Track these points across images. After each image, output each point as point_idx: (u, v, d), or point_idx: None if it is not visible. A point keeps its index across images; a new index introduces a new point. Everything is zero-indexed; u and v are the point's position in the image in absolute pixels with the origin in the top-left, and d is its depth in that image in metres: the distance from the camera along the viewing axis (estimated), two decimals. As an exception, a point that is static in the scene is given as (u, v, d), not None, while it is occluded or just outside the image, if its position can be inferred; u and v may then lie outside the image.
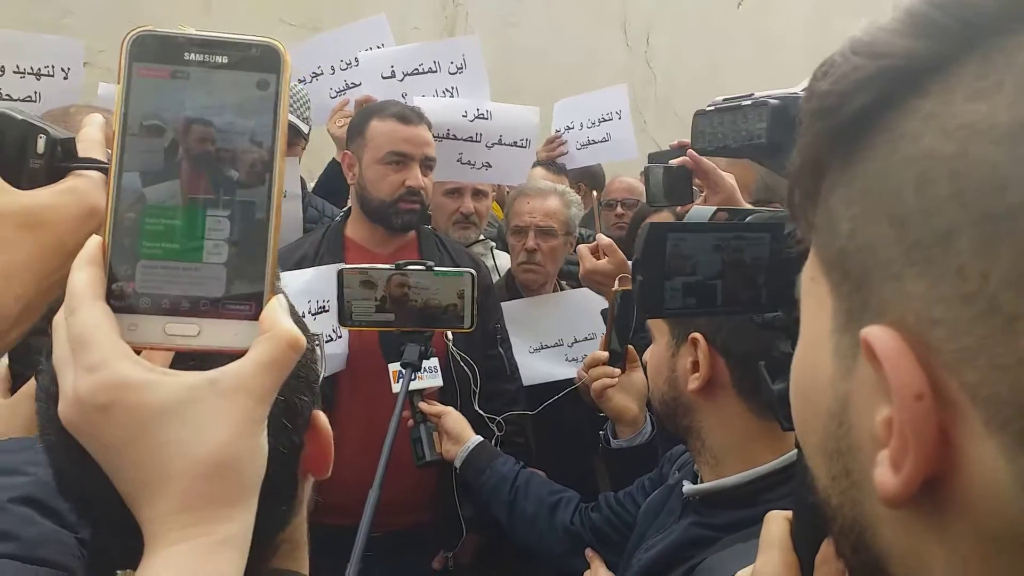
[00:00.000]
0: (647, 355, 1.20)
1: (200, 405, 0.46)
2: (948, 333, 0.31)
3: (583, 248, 1.98)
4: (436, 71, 2.52)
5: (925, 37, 0.34)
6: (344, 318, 1.52)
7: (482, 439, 1.72)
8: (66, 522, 0.77)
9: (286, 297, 0.53)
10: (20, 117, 0.58)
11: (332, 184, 2.73)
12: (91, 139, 0.61)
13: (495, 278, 2.48)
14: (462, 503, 1.97)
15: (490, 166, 2.50)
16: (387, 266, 1.53)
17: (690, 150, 1.55)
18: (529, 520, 1.61)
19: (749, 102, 0.87)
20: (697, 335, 1.06)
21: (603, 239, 1.93)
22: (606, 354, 1.60)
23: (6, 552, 0.73)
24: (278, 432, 0.57)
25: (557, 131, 3.10)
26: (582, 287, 2.27)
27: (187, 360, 0.51)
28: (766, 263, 0.71)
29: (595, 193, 2.46)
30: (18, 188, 0.57)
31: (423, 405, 1.67)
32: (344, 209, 2.26)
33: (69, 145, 0.60)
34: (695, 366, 1.07)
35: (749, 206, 1.50)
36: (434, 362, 1.65)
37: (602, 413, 1.64)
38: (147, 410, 0.46)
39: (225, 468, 0.47)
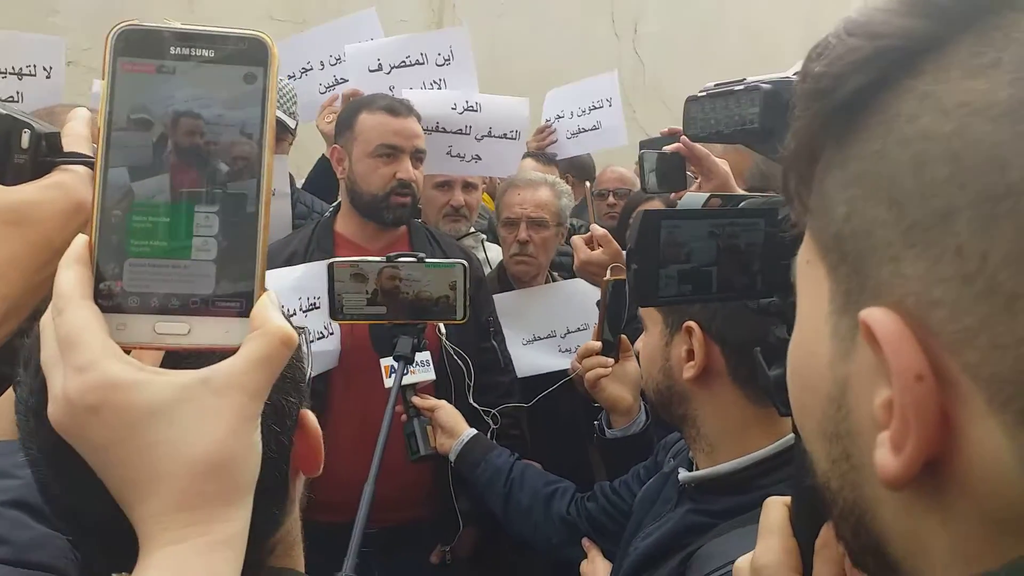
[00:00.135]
0: (639, 344, 1.20)
1: (193, 404, 0.46)
2: (948, 314, 0.31)
3: (577, 239, 1.97)
4: (423, 63, 2.50)
5: (923, 16, 0.33)
6: (335, 312, 1.52)
7: (476, 432, 1.71)
8: (58, 525, 0.77)
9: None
10: (3, 112, 0.57)
11: (321, 180, 2.72)
12: (76, 133, 0.60)
13: (486, 271, 2.47)
14: (458, 497, 1.97)
15: (480, 158, 2.49)
16: (378, 259, 1.52)
17: (683, 136, 1.54)
18: (525, 512, 1.61)
19: (741, 87, 0.87)
20: (692, 323, 1.06)
21: (597, 229, 1.92)
22: (599, 344, 1.60)
23: (-1, 556, 0.73)
24: (267, 435, 0.57)
25: (547, 120, 3.09)
26: (573, 278, 2.27)
27: (183, 359, 0.50)
28: (760, 249, 0.71)
29: (587, 184, 2.45)
30: (2, 184, 0.56)
31: (416, 399, 1.67)
32: (334, 204, 2.25)
33: (54, 140, 0.59)
34: (690, 355, 1.07)
35: (743, 192, 1.50)
36: (426, 355, 1.64)
37: (597, 403, 1.64)
38: (137, 410, 0.45)
39: (221, 467, 0.46)
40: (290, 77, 2.66)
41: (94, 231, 0.48)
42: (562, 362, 2.26)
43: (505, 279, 2.43)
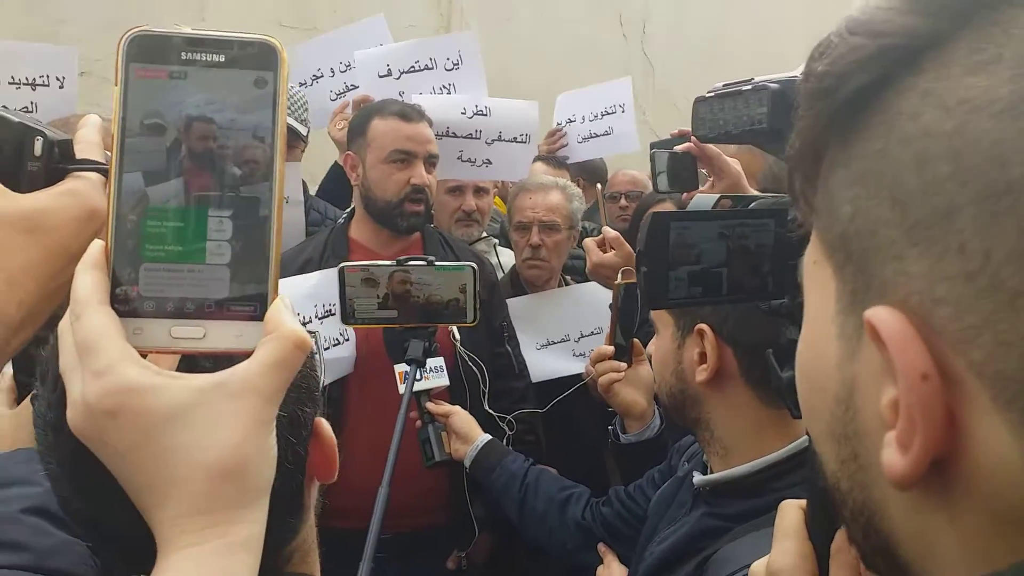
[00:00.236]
0: (651, 348, 1.20)
1: (209, 408, 0.46)
2: (952, 312, 0.31)
3: (589, 242, 1.97)
4: (433, 68, 2.51)
5: (924, 14, 0.33)
6: (347, 316, 1.52)
7: (491, 438, 1.71)
8: (79, 531, 0.77)
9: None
10: (16, 119, 0.58)
11: (335, 187, 2.73)
12: (88, 140, 0.61)
13: (499, 275, 2.47)
14: (473, 503, 1.97)
15: (491, 163, 2.49)
16: (388, 263, 1.53)
17: (693, 137, 1.54)
18: (540, 517, 1.60)
19: (749, 87, 0.87)
20: (704, 326, 1.05)
21: (609, 232, 1.92)
22: (611, 349, 1.59)
23: (19, 563, 0.73)
24: (284, 447, 0.57)
25: (558, 124, 3.09)
26: (586, 281, 2.27)
27: (202, 362, 0.51)
28: (771, 249, 0.71)
29: (598, 186, 2.45)
30: (16, 191, 0.57)
31: (430, 405, 1.67)
32: (347, 211, 2.26)
33: (66, 147, 0.59)
34: (702, 357, 1.06)
35: (755, 192, 1.49)
36: (439, 361, 1.64)
37: (611, 408, 1.64)
38: (154, 414, 0.46)
39: (237, 470, 0.47)
40: (301, 84, 2.68)
41: (110, 236, 0.48)
42: (576, 366, 2.25)
43: (518, 283, 2.43)
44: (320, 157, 2.98)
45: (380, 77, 2.50)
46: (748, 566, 0.59)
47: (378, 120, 2.06)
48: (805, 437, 0.50)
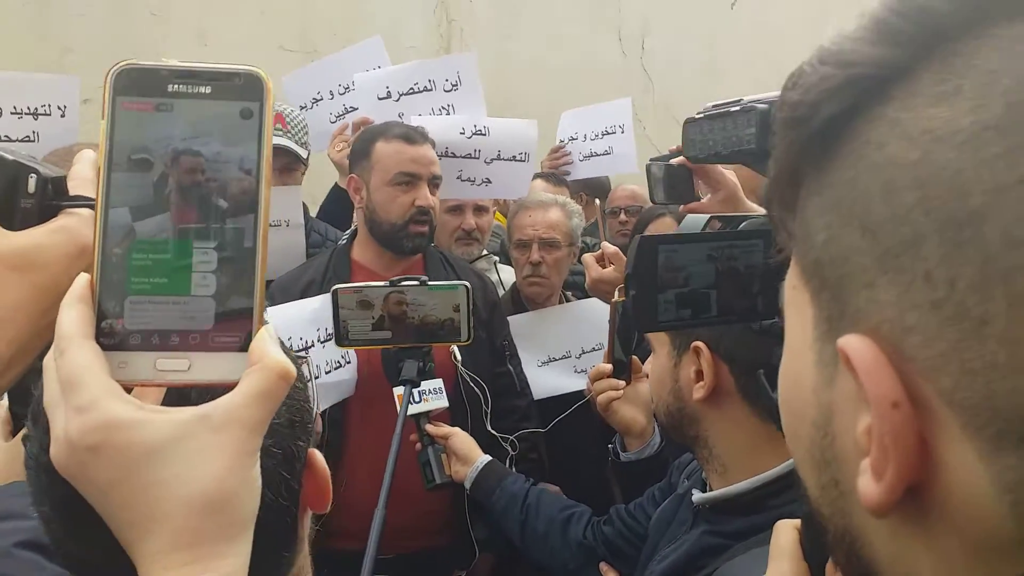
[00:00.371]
0: (647, 366, 1.19)
1: (191, 441, 0.46)
2: (921, 340, 0.31)
3: (588, 257, 1.97)
4: (431, 89, 2.53)
5: (891, 44, 0.34)
6: (340, 338, 1.52)
7: (491, 459, 1.70)
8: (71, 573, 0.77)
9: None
10: (10, 157, 0.58)
11: (335, 208, 2.74)
12: (82, 176, 0.61)
13: (500, 293, 2.47)
14: (474, 524, 1.96)
15: (490, 182, 2.50)
16: (382, 284, 1.53)
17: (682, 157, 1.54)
18: (542, 537, 1.59)
19: (737, 108, 0.87)
20: (700, 344, 1.05)
21: (608, 247, 1.92)
22: (610, 367, 1.58)
23: (13, 597, 0.73)
24: (278, 482, 0.56)
25: (561, 141, 3.10)
26: (586, 298, 2.26)
27: (189, 393, 0.51)
28: (760, 270, 0.71)
29: (597, 202, 2.45)
30: (10, 228, 0.57)
31: (430, 427, 1.66)
32: (348, 231, 2.26)
33: (60, 183, 0.60)
34: (699, 375, 1.06)
35: (753, 204, 1.49)
36: (439, 383, 1.64)
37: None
38: (136, 449, 0.45)
39: (220, 503, 0.46)
40: (302, 108, 2.70)
41: (95, 270, 0.49)
42: (578, 383, 2.25)
43: (519, 301, 2.43)
44: (320, 179, 2.99)
45: (379, 99, 2.51)
46: (745, 586, 0.59)
47: (382, 143, 2.06)
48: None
